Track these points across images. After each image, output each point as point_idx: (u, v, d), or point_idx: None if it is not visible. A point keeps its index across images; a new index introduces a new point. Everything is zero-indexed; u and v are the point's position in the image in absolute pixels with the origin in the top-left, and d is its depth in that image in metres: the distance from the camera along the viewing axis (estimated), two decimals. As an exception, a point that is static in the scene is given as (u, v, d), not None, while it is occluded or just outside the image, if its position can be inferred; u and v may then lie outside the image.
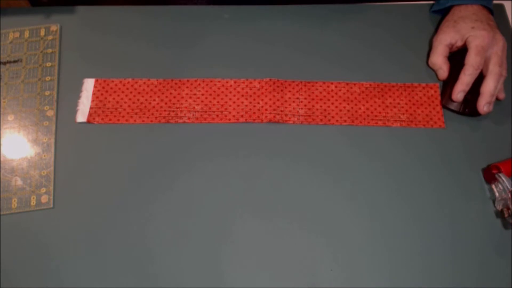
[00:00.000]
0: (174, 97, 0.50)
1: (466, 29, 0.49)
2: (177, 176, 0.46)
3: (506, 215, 0.42)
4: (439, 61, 0.50)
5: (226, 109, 0.50)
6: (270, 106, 0.50)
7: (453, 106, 0.49)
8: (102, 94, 0.50)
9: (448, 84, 0.50)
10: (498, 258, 0.43)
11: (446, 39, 0.50)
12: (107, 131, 0.49)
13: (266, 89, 0.50)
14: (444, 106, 0.50)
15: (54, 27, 0.54)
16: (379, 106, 0.50)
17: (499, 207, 0.44)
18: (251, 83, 0.51)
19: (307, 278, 0.42)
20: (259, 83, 0.51)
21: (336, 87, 0.51)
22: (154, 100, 0.50)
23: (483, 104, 0.47)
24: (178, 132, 0.49)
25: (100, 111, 0.50)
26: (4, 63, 0.52)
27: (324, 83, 0.51)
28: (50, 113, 0.50)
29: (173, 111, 0.50)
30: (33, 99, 0.50)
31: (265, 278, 0.42)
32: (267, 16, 0.56)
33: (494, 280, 0.42)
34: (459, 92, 0.48)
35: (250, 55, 0.53)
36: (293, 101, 0.50)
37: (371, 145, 0.48)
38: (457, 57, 0.50)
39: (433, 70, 0.52)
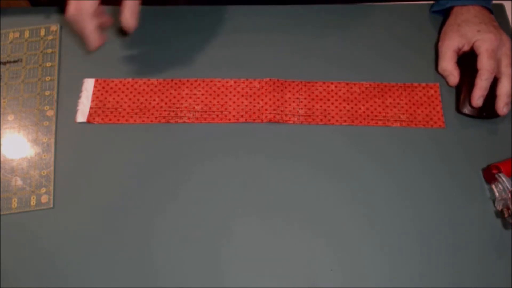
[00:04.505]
0: (174, 97, 0.50)
1: (472, 33, 0.49)
2: (177, 176, 0.46)
3: (506, 215, 0.42)
4: (450, 67, 0.50)
5: (226, 109, 0.50)
6: (270, 106, 0.50)
7: (469, 111, 0.49)
8: (102, 94, 0.50)
9: (461, 90, 0.50)
10: (498, 258, 0.43)
11: (453, 44, 0.50)
12: (107, 131, 0.49)
13: (266, 89, 0.50)
14: (460, 112, 0.49)
15: (54, 27, 0.54)
16: (379, 106, 0.50)
17: (499, 207, 0.44)
18: (251, 83, 0.51)
19: (307, 278, 0.42)
20: (259, 83, 0.51)
21: (336, 87, 0.51)
22: (154, 100, 0.50)
23: (502, 106, 0.47)
24: (178, 132, 0.49)
25: (100, 111, 0.50)
26: (4, 63, 0.52)
27: (324, 83, 0.51)
28: (50, 113, 0.50)
29: (173, 111, 0.50)
30: (33, 99, 0.50)
31: (265, 278, 0.42)
32: (267, 16, 0.56)
33: (494, 280, 0.42)
34: (478, 97, 0.47)
35: (250, 55, 0.53)
36: (293, 101, 0.50)
37: (371, 145, 0.48)
38: (464, 61, 0.50)
39: (443, 76, 0.51)
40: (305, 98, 0.50)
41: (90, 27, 0.46)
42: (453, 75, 0.50)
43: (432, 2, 0.56)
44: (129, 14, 0.47)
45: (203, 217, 0.44)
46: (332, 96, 0.50)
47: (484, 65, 0.47)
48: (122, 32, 0.49)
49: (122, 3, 0.47)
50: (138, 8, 0.47)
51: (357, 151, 0.48)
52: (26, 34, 0.54)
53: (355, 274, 0.42)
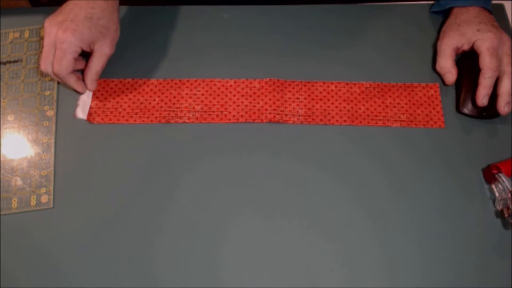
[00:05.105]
0: (174, 97, 0.50)
1: (472, 32, 0.49)
2: (177, 176, 0.46)
3: (506, 215, 0.42)
4: (448, 65, 0.50)
5: (226, 109, 0.50)
6: (270, 106, 0.50)
7: (469, 111, 0.49)
8: (102, 94, 0.50)
9: (461, 90, 0.50)
10: (498, 258, 0.43)
11: (453, 43, 0.50)
12: (107, 131, 0.49)
13: (266, 89, 0.50)
14: (460, 112, 0.49)
15: (54, 27, 0.54)
16: (379, 106, 0.50)
17: (499, 207, 0.44)
18: (251, 83, 0.51)
19: (307, 278, 0.42)
20: (259, 83, 0.51)
21: (336, 87, 0.51)
22: (154, 100, 0.50)
23: (504, 105, 0.47)
24: (178, 132, 0.49)
25: (100, 111, 0.50)
26: (4, 63, 0.52)
27: (324, 83, 0.51)
28: (50, 113, 0.50)
29: (173, 111, 0.50)
30: (33, 99, 0.50)
31: (265, 278, 0.42)
32: (267, 16, 0.56)
33: (494, 280, 0.42)
34: (483, 96, 0.47)
35: (250, 55, 0.53)
36: (293, 101, 0.50)
37: (371, 145, 0.48)
38: (464, 61, 0.50)
39: (440, 74, 0.51)
40: (305, 98, 0.50)
41: (71, 81, 0.48)
42: (451, 73, 0.50)
43: (432, 2, 0.56)
44: (89, 82, 0.49)
45: (203, 217, 0.44)
46: (332, 96, 0.50)
47: (487, 63, 0.47)
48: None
49: (85, 68, 0.49)
50: (99, 74, 0.49)
51: (357, 151, 0.48)
52: (26, 34, 0.54)
53: (355, 274, 0.42)
